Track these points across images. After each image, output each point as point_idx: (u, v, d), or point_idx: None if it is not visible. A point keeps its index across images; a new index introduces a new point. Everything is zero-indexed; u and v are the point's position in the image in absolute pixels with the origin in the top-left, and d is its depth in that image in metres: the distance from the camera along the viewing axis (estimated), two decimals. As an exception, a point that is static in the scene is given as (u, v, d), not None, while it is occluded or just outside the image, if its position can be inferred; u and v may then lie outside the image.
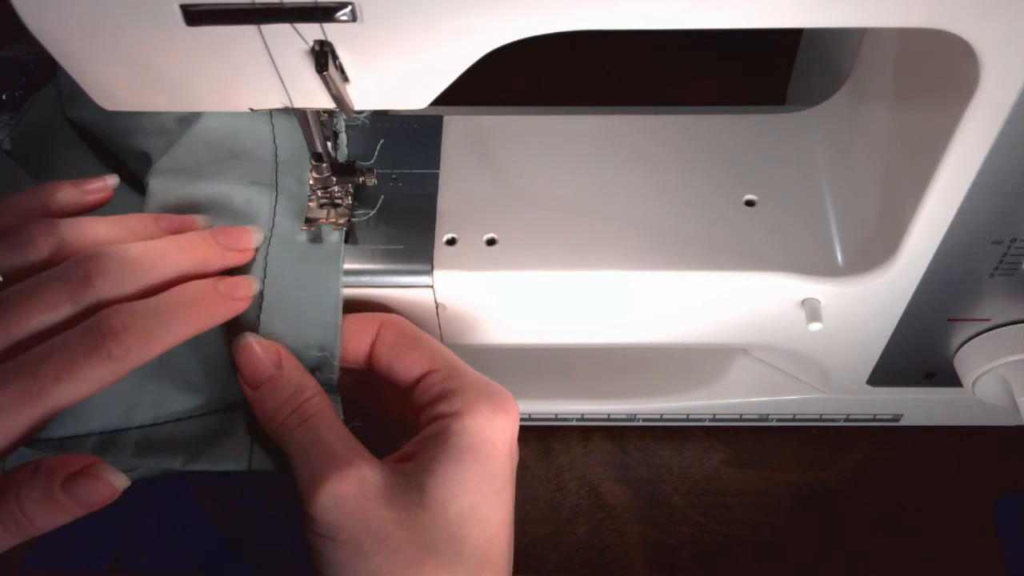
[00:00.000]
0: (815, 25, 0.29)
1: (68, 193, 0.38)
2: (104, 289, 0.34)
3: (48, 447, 0.34)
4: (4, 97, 0.64)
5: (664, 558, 0.49)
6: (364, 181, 0.41)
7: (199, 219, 0.40)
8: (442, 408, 0.35)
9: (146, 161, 0.43)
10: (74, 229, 0.36)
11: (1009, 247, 0.38)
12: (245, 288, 0.37)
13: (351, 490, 0.32)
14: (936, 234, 0.38)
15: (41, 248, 0.35)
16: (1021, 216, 0.37)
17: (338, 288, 0.39)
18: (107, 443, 0.35)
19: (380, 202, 0.42)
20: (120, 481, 0.32)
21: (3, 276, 0.34)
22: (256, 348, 0.36)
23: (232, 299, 0.36)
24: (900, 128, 0.38)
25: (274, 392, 0.35)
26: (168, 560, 0.48)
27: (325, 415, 0.35)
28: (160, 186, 0.41)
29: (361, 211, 0.42)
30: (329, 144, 0.39)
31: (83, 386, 0.32)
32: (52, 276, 0.34)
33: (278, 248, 0.39)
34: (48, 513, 0.31)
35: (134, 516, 0.49)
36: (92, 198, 0.39)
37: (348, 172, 0.41)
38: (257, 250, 0.39)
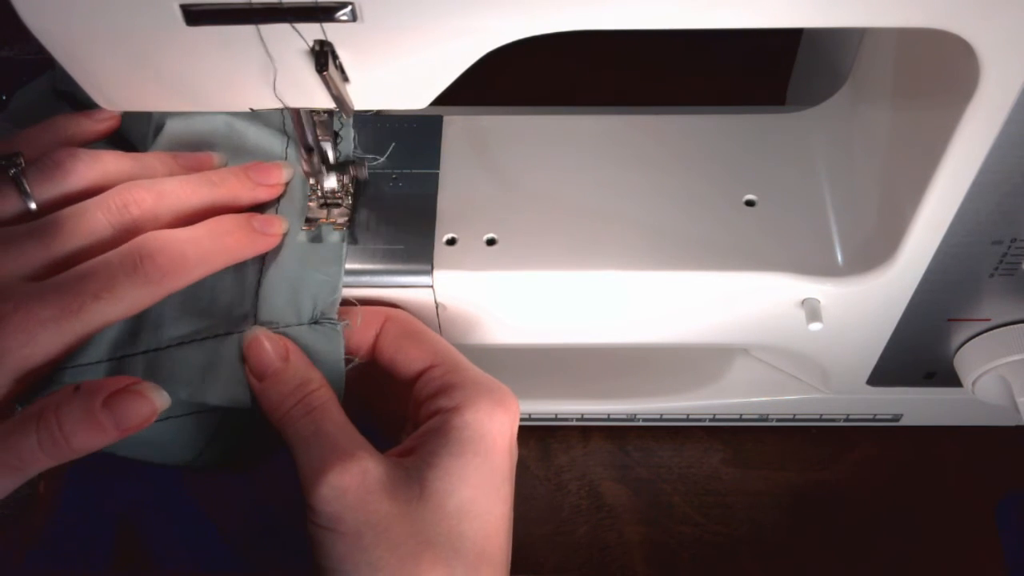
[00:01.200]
0: (815, 25, 0.29)
1: (81, 123, 0.40)
2: (141, 217, 0.36)
3: (62, 378, 0.35)
4: (4, 97, 0.64)
5: (664, 558, 0.49)
6: (355, 175, 0.41)
7: (216, 157, 0.41)
8: (442, 402, 0.35)
9: (146, 119, 0.43)
10: (101, 159, 0.37)
11: (1009, 247, 0.38)
12: (277, 225, 0.39)
13: (352, 482, 0.32)
14: (936, 234, 0.38)
15: (71, 174, 0.36)
16: (1021, 216, 0.37)
17: (340, 269, 0.39)
18: (116, 371, 0.36)
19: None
20: (161, 400, 0.33)
21: (38, 204, 0.36)
22: (264, 342, 0.36)
23: (265, 234, 0.38)
24: (900, 128, 0.38)
25: (279, 384, 0.36)
26: (167, 559, 0.48)
27: (329, 408, 0.35)
28: (175, 125, 0.42)
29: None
30: (328, 144, 0.39)
31: (120, 306, 0.34)
32: (92, 203, 0.35)
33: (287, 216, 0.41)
34: (86, 433, 0.31)
35: (132, 515, 0.49)
36: (103, 126, 0.41)
37: (339, 167, 0.41)
38: (286, 185, 0.41)
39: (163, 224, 0.36)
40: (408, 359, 0.37)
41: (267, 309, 0.38)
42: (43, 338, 0.32)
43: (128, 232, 0.35)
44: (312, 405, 0.35)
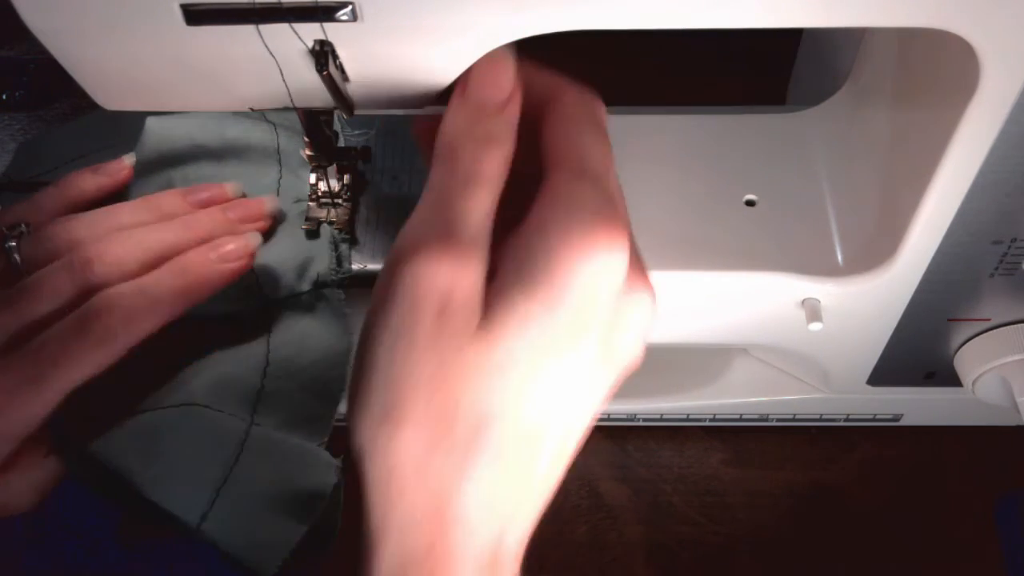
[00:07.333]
0: (815, 25, 0.29)
1: (88, 182, 0.40)
2: (105, 272, 0.35)
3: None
4: (4, 97, 0.64)
5: (664, 558, 0.49)
6: (359, 159, 0.41)
7: (229, 187, 0.40)
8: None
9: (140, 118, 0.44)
10: (95, 222, 0.37)
11: (1009, 247, 0.38)
12: (241, 249, 0.37)
13: (432, 277, 0.25)
14: (936, 234, 0.38)
15: (60, 243, 0.36)
16: (1021, 216, 0.37)
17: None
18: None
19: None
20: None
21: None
22: (503, 65, 0.29)
23: (228, 263, 0.36)
24: (900, 128, 0.38)
25: (475, 121, 0.28)
26: (168, 554, 0.48)
27: (483, 184, 0.27)
28: (154, 125, 0.42)
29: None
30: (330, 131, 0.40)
31: (82, 368, 0.33)
32: (58, 265, 0.35)
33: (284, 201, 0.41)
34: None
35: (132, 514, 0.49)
36: (112, 180, 0.40)
37: (342, 152, 0.40)
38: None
39: (129, 275, 0.35)
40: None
41: (268, 279, 0.38)
42: (15, 408, 0.33)
43: (92, 289, 0.35)
44: (474, 173, 0.27)
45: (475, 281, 0.26)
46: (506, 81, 0.29)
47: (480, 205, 0.27)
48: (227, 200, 0.39)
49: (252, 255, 0.37)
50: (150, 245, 0.36)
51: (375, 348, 0.26)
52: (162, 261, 0.36)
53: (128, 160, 0.41)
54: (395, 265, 0.26)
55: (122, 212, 0.38)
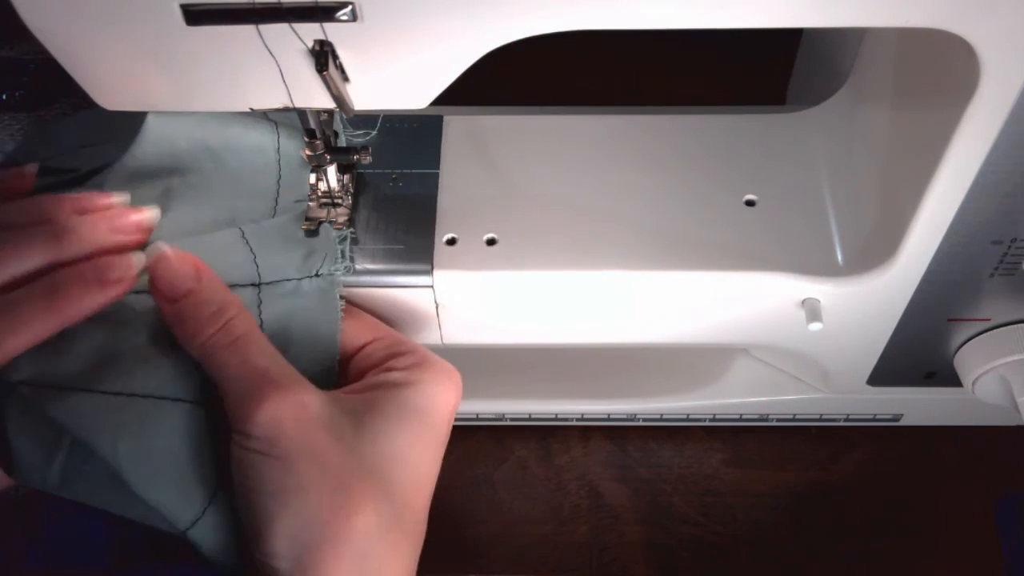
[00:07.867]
0: (815, 25, 0.29)
1: None
2: None
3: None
4: (4, 97, 0.64)
5: (664, 558, 0.49)
6: (359, 159, 0.41)
7: (116, 197, 0.38)
8: (390, 364, 0.36)
9: (140, 116, 0.43)
10: None
11: (1009, 247, 0.38)
12: (121, 269, 0.34)
13: (289, 413, 0.32)
14: (936, 234, 0.38)
15: None
16: (1021, 216, 0.37)
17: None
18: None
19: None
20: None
21: None
22: (172, 258, 0.34)
23: (104, 283, 0.34)
24: (900, 128, 0.38)
25: (195, 307, 0.33)
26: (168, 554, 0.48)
27: (254, 337, 0.34)
28: (154, 123, 0.42)
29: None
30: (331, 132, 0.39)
31: None
32: None
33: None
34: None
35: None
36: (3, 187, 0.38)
37: (342, 152, 0.40)
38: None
39: None
40: (347, 336, 0.38)
41: (268, 266, 0.38)
42: None
43: None
44: (235, 332, 0.33)
45: (297, 405, 0.33)
46: (183, 272, 0.34)
47: (261, 351, 0.34)
48: (109, 207, 0.37)
49: (134, 278, 0.35)
50: (19, 259, 0.34)
51: None
52: (30, 274, 0.34)
53: (30, 169, 0.39)
54: (243, 421, 0.33)
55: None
